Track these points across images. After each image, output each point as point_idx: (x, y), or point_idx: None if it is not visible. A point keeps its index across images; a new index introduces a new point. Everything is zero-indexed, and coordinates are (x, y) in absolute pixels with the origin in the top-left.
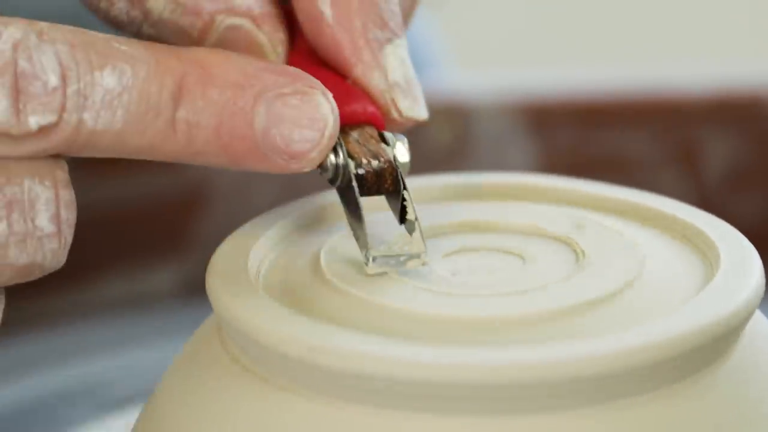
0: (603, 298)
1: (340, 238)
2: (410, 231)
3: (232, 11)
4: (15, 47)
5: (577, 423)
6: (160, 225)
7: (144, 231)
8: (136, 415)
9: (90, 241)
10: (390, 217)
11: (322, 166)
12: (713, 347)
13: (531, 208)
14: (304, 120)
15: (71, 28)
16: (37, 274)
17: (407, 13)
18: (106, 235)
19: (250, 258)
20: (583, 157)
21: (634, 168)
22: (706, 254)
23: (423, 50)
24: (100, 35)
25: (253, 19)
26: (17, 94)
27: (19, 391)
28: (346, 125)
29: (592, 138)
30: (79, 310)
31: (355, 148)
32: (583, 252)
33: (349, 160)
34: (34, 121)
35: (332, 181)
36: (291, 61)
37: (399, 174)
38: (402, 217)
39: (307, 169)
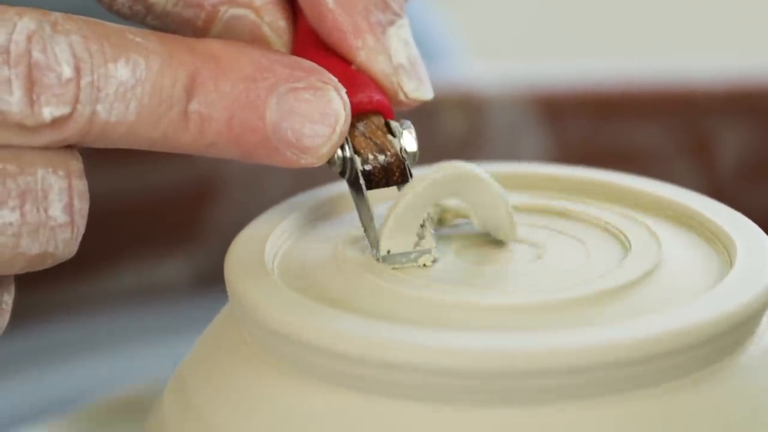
0: (620, 288)
1: (357, 227)
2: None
3: (234, 2)
4: (29, 38)
5: (591, 413)
6: (172, 217)
7: (156, 222)
8: (149, 405)
9: (101, 232)
10: None
11: (330, 161)
12: (730, 338)
13: (544, 199)
14: (315, 115)
15: (85, 18)
16: (48, 264)
17: None
18: (118, 227)
19: (267, 247)
20: (596, 148)
21: (646, 159)
22: (723, 246)
23: (436, 41)
24: (114, 26)
25: (255, 9)
26: (31, 85)
27: (29, 382)
28: (353, 116)
29: (604, 129)
30: (90, 302)
31: (362, 143)
32: (599, 243)
33: (356, 156)
34: (48, 112)
35: (342, 174)
36: (295, 48)
37: (406, 166)
38: None
39: (317, 165)
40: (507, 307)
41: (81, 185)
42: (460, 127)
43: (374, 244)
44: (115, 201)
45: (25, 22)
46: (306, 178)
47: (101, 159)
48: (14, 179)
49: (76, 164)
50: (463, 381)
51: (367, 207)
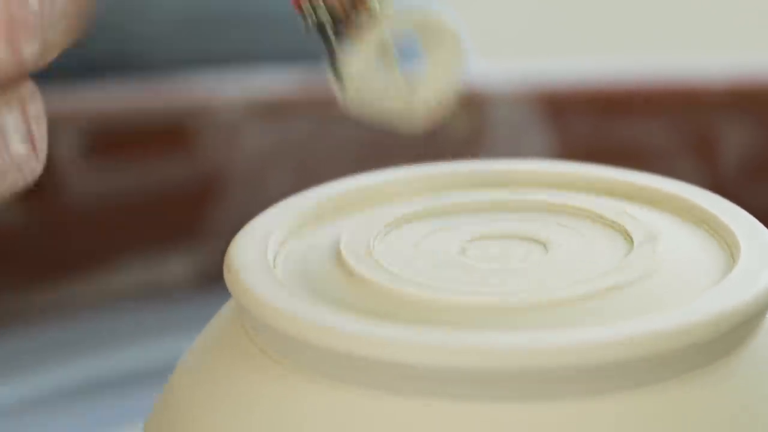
0: (623, 284)
1: (359, 226)
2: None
3: None
4: None
5: (593, 411)
6: (174, 215)
7: (157, 221)
8: (150, 403)
9: (103, 230)
10: None
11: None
12: (733, 335)
13: (549, 195)
14: None
15: None
16: (18, 189)
17: None
18: (119, 225)
19: (268, 245)
20: (600, 146)
21: (650, 157)
22: (726, 242)
23: None
24: None
25: None
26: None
27: (31, 380)
28: None
29: (608, 127)
30: (91, 300)
31: None
32: (604, 239)
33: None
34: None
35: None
36: None
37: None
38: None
39: None
40: (511, 304)
41: (34, 108)
42: (463, 124)
43: (342, 84)
44: (116, 199)
45: None
46: (310, 176)
47: (103, 158)
48: None
49: (26, 86)
50: (465, 379)
51: (334, 48)
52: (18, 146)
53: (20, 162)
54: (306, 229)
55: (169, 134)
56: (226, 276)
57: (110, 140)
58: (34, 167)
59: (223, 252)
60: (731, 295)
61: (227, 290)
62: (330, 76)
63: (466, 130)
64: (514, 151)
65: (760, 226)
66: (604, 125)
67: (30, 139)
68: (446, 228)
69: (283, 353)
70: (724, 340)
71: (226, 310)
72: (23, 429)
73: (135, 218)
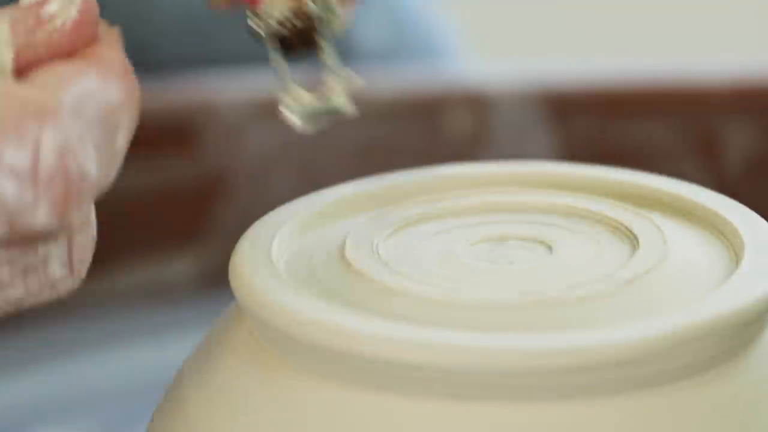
0: (629, 285)
1: (364, 227)
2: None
3: None
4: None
5: (596, 410)
6: (179, 215)
7: (162, 221)
8: (152, 403)
9: (107, 231)
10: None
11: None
12: (738, 336)
13: (553, 197)
14: None
15: None
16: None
17: None
18: (124, 225)
19: (273, 246)
20: (603, 147)
21: (654, 158)
22: (731, 242)
23: (443, 39)
24: None
25: None
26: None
27: (34, 380)
28: None
29: (612, 128)
30: (96, 300)
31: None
32: (609, 240)
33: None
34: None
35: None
36: None
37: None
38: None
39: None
40: (515, 305)
41: (82, 238)
42: (466, 125)
43: (284, 90)
44: (121, 199)
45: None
46: (312, 177)
47: None
48: (16, 261)
49: (78, 216)
50: (468, 378)
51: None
52: (56, 269)
53: (55, 282)
54: (311, 230)
55: (173, 135)
56: (231, 277)
57: None
58: (70, 286)
59: (226, 252)
60: (734, 298)
61: (230, 290)
62: (276, 84)
63: (469, 130)
64: (518, 151)
65: (765, 224)
66: (608, 126)
67: (70, 264)
68: (451, 229)
69: (288, 353)
70: (727, 341)
71: (231, 310)
72: (25, 428)
73: (138, 219)
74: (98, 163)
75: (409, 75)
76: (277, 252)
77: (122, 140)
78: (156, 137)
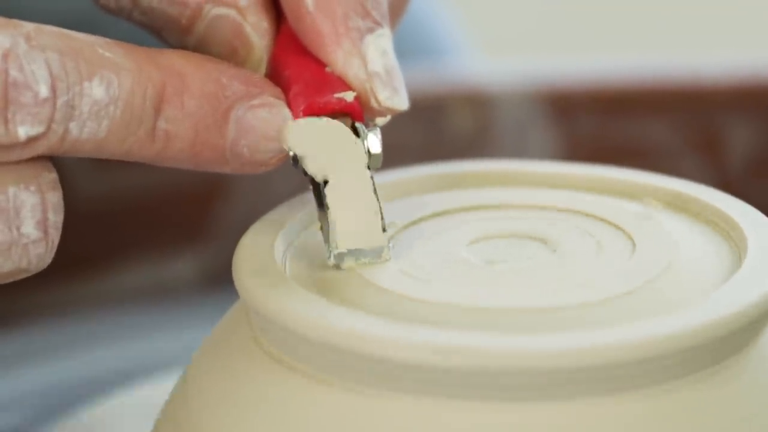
0: (630, 285)
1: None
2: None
3: (218, 1)
4: (5, 56)
5: (600, 410)
6: (180, 215)
7: (164, 221)
8: (155, 402)
9: (109, 231)
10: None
11: (293, 158)
12: (741, 335)
13: (555, 195)
14: (271, 132)
15: (58, 31)
16: (21, 277)
17: (397, 7)
18: (126, 225)
19: (276, 245)
20: (606, 144)
21: (656, 156)
22: (734, 239)
23: (444, 37)
24: (85, 39)
25: (239, 9)
26: (6, 104)
27: (36, 379)
28: (321, 115)
29: (614, 126)
30: (98, 300)
31: None
32: (611, 239)
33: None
34: (23, 132)
35: (305, 173)
36: (275, 48)
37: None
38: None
39: (258, 172)
40: (518, 305)
41: (54, 197)
42: (468, 123)
43: (326, 242)
44: (122, 199)
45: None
46: None
47: (109, 159)
48: None
49: (49, 176)
50: (468, 379)
51: (324, 205)
52: (30, 228)
53: (28, 243)
54: (314, 228)
55: None
56: (235, 276)
57: None
58: (41, 254)
59: (229, 252)
60: (738, 297)
61: (232, 290)
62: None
63: (471, 128)
64: (520, 149)
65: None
66: (610, 124)
67: (44, 226)
68: (454, 228)
69: (291, 353)
70: (731, 340)
71: (234, 310)
72: (26, 427)
73: (141, 218)
74: (49, 86)
75: (411, 73)
76: (280, 251)
77: (99, 91)
78: None
